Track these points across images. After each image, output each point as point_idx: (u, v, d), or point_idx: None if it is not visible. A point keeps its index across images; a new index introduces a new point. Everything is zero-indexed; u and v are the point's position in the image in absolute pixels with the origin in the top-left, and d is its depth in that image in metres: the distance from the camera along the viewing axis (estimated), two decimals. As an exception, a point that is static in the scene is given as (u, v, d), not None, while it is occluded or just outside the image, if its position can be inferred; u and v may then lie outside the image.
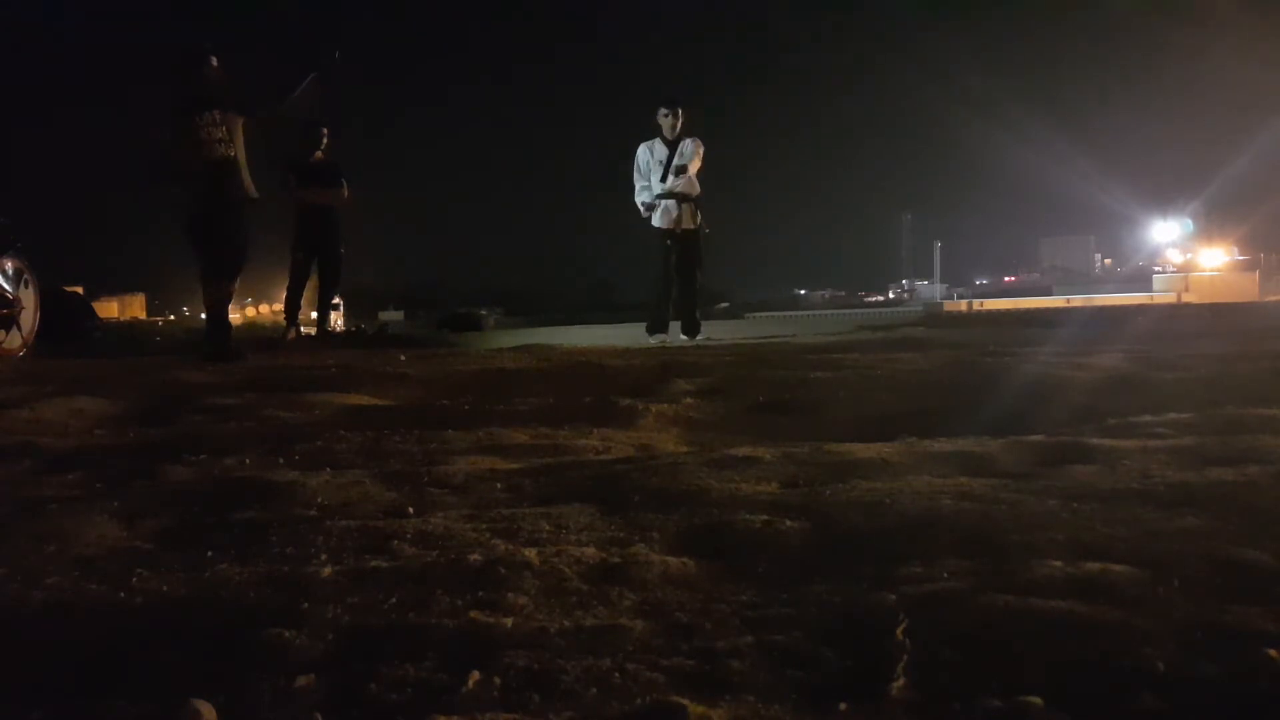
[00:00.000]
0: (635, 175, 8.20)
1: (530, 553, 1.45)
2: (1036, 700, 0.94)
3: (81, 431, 3.05)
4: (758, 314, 26.77)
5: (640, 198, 8.13)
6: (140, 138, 6.31)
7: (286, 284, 9.21)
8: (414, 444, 2.62)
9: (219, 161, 5.86)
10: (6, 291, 6.61)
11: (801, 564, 1.41)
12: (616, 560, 1.43)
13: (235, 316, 6.00)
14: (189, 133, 5.84)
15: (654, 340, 7.77)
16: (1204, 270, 34.92)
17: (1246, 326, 7.75)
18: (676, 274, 8.14)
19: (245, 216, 6.08)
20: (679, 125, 8.02)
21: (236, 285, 6.19)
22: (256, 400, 3.58)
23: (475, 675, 1.03)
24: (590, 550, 1.48)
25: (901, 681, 1.00)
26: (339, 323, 13.67)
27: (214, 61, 5.96)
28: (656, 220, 8.07)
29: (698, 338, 7.87)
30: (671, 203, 8.04)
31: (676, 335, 8.08)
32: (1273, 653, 1.00)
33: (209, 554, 1.55)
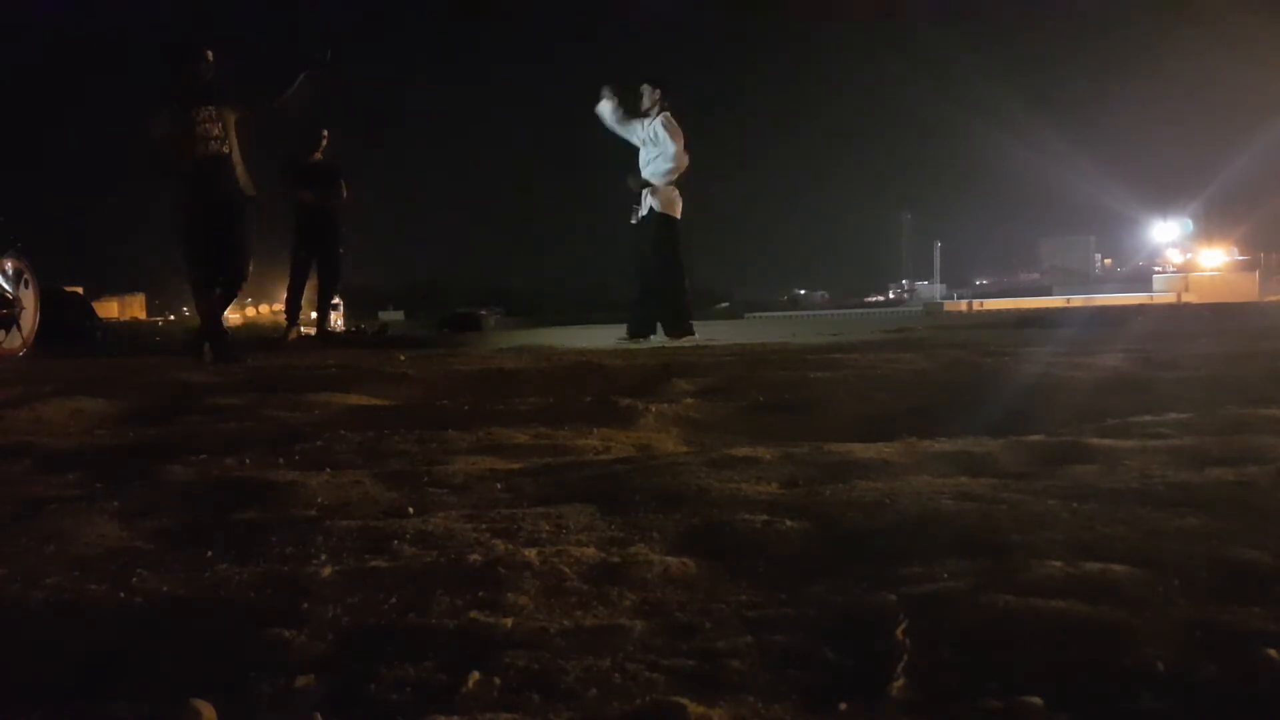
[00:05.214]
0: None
1: (530, 553, 1.45)
2: (1036, 700, 0.94)
3: (81, 431, 3.05)
4: (758, 314, 26.80)
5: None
6: (135, 133, 6.33)
7: (286, 284, 9.23)
8: (414, 444, 2.62)
9: (214, 158, 5.85)
10: (6, 291, 6.61)
11: (801, 564, 1.41)
12: (616, 560, 1.43)
13: (235, 317, 6.01)
14: (184, 128, 5.84)
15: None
16: (1204, 270, 34.94)
17: (1246, 326, 7.75)
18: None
19: (248, 218, 6.05)
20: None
21: (238, 291, 6.15)
22: (256, 400, 3.58)
23: (475, 675, 1.03)
24: (590, 550, 1.48)
25: (901, 681, 1.00)
26: (339, 323, 13.66)
27: (209, 57, 5.96)
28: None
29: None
30: None
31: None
32: (1273, 653, 1.00)
33: (209, 554, 1.55)
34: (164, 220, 6.11)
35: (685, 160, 7.82)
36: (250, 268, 6.14)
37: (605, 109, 8.05)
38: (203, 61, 5.93)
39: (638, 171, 7.95)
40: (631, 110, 7.97)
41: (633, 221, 7.98)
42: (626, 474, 2.07)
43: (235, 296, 6.17)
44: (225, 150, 5.88)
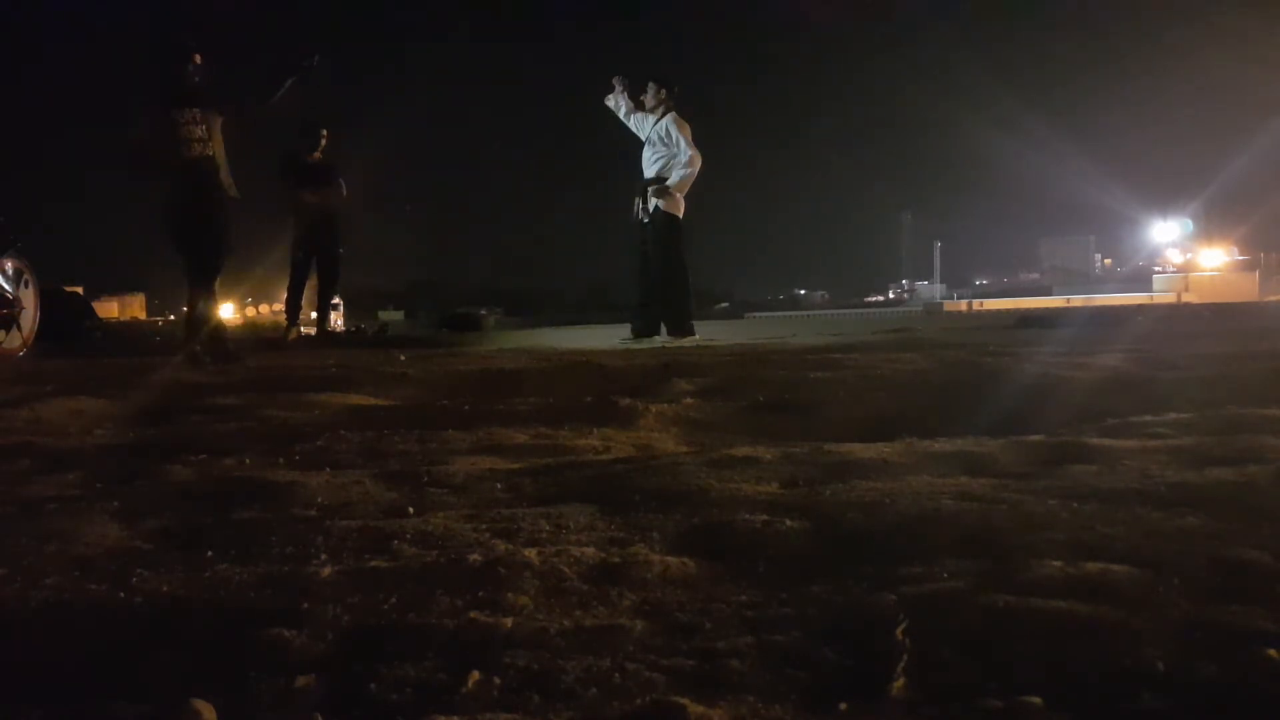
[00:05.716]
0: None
1: (530, 553, 1.45)
2: (1036, 700, 0.94)
3: (81, 431, 3.05)
4: (758, 314, 26.82)
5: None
6: (123, 133, 6.35)
7: (286, 284, 9.22)
8: (414, 444, 2.62)
9: (198, 160, 5.87)
10: (6, 291, 6.61)
11: (801, 564, 1.41)
12: (616, 560, 1.43)
13: (235, 317, 6.02)
14: (170, 129, 5.86)
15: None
16: (1204, 270, 34.96)
17: (1246, 326, 7.75)
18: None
19: (228, 215, 6.09)
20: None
21: (217, 284, 6.21)
22: (256, 400, 3.58)
23: (475, 675, 1.04)
24: (590, 550, 1.48)
25: (901, 681, 1.00)
26: (339, 323, 13.65)
27: (197, 59, 5.97)
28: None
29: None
30: None
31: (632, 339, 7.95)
32: (1273, 653, 1.00)
33: (209, 554, 1.55)
34: (160, 220, 6.12)
35: (700, 160, 7.86)
36: (223, 266, 6.17)
37: (615, 101, 8.08)
38: (189, 63, 5.94)
39: (642, 178, 7.97)
40: (639, 105, 8.01)
41: (643, 220, 7.97)
42: (626, 474, 2.07)
43: (213, 292, 6.20)
44: (209, 153, 5.90)
